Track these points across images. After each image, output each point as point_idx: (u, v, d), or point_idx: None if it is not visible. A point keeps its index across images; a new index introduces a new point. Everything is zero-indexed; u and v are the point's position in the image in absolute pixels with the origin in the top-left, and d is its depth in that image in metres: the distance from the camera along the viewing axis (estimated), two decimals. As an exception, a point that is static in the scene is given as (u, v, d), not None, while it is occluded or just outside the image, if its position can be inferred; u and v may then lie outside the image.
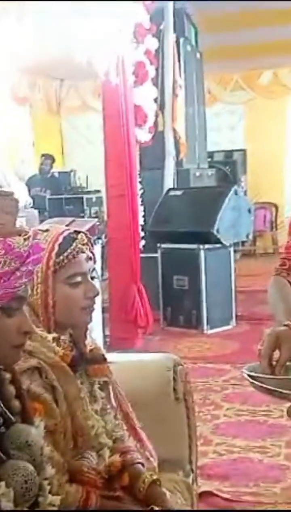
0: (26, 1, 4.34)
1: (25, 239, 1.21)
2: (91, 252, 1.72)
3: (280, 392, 1.48)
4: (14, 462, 1.20)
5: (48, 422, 1.51)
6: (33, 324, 1.58)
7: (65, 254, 1.64)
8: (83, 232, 1.72)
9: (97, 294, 1.69)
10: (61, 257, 1.64)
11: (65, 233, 1.67)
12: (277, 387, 1.50)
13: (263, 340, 1.58)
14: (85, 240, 1.70)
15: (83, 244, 1.68)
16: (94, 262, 1.74)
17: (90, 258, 1.70)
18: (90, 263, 1.70)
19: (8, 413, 1.27)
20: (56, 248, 1.64)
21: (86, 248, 1.69)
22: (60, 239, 1.65)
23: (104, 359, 1.76)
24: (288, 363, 1.60)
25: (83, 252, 1.67)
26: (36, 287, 1.63)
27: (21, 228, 1.22)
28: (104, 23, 4.86)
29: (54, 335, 1.63)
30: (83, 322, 1.72)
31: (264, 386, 1.52)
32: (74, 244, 1.66)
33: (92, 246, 1.74)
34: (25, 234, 1.22)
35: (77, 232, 1.70)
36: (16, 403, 1.30)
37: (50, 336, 1.62)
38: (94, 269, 1.73)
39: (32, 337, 1.57)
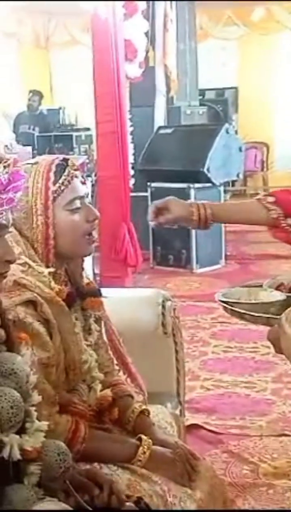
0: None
1: (5, 167, 1.20)
2: (83, 177, 1.72)
3: (251, 315, 1.55)
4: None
5: (42, 355, 1.53)
6: (29, 259, 1.58)
7: (61, 181, 1.63)
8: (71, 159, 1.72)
9: (98, 217, 1.69)
10: (57, 185, 1.63)
11: (56, 161, 1.67)
12: (249, 311, 1.57)
13: None
14: (76, 165, 1.69)
15: (75, 170, 1.67)
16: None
17: (83, 183, 1.70)
18: (84, 187, 1.70)
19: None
20: (52, 177, 1.63)
21: (78, 173, 1.69)
22: (53, 168, 1.64)
23: (100, 293, 1.77)
24: (263, 289, 1.70)
25: (77, 177, 1.67)
26: (36, 219, 1.61)
27: (0, 155, 1.20)
28: None
29: (51, 269, 1.63)
30: (85, 251, 1.71)
31: (236, 309, 1.59)
32: (66, 170, 1.65)
33: (82, 171, 1.74)
34: (5, 162, 1.20)
35: (66, 159, 1.69)
36: (1, 332, 1.30)
37: (46, 271, 1.62)
38: (87, 194, 1.73)
39: (28, 271, 1.57)
